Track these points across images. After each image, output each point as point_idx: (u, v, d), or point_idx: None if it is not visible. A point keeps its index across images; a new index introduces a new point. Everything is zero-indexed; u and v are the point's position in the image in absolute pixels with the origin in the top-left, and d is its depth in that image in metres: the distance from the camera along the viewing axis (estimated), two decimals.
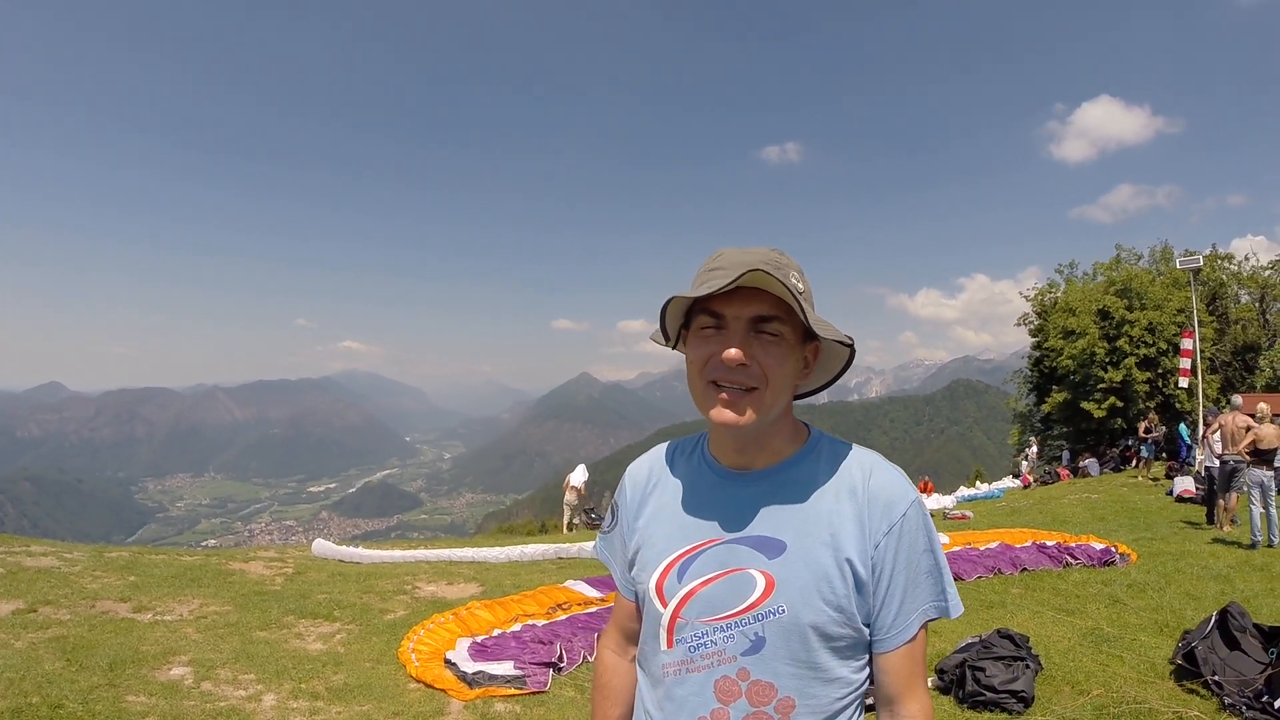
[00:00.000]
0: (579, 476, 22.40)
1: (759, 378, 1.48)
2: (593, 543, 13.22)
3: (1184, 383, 28.72)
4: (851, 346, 1.56)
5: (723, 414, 1.48)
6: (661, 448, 1.81)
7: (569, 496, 22.11)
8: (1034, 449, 37.03)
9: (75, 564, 9.21)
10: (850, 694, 1.53)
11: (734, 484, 1.60)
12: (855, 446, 1.62)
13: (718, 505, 1.59)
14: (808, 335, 1.55)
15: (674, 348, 1.66)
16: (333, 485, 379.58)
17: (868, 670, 1.58)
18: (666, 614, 1.57)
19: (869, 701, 1.64)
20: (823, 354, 1.62)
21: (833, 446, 1.62)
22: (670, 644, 1.57)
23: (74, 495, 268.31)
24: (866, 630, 1.53)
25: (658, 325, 1.64)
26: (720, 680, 1.50)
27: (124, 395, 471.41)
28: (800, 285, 1.50)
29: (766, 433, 1.57)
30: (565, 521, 22.21)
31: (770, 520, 1.53)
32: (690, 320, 1.57)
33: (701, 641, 1.52)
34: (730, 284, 1.39)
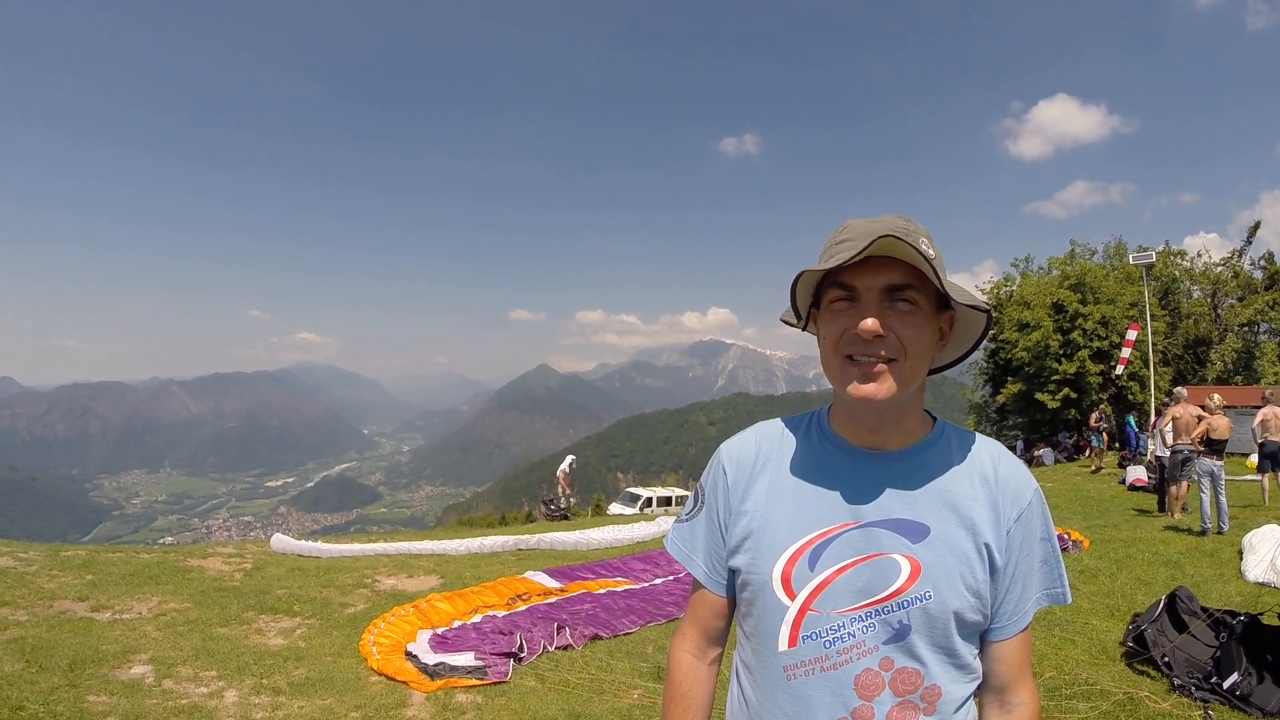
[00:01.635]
0: (566, 466, 22.60)
1: (897, 348, 1.41)
2: (551, 534, 13.16)
3: (1119, 370, 29.29)
4: (990, 312, 1.50)
5: (861, 388, 1.42)
6: (767, 424, 1.69)
7: (559, 487, 22.31)
8: None
9: (31, 564, 9.12)
10: (973, 681, 1.51)
11: (868, 464, 1.52)
12: (980, 435, 1.59)
13: (850, 486, 1.50)
14: (942, 304, 1.49)
15: (804, 328, 1.61)
16: (290, 479, 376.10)
17: (979, 657, 1.54)
18: (794, 607, 1.47)
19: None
20: (958, 323, 1.55)
21: (959, 433, 1.58)
22: (794, 642, 1.47)
23: (27, 494, 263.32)
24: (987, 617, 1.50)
25: (787, 304, 1.58)
26: (861, 675, 1.43)
27: (77, 390, 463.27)
28: (931, 252, 1.41)
29: (903, 411, 1.50)
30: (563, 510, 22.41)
31: (910, 503, 1.47)
32: (820, 297, 1.51)
33: (838, 634, 1.44)
34: (860, 253, 1.34)
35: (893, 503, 1.46)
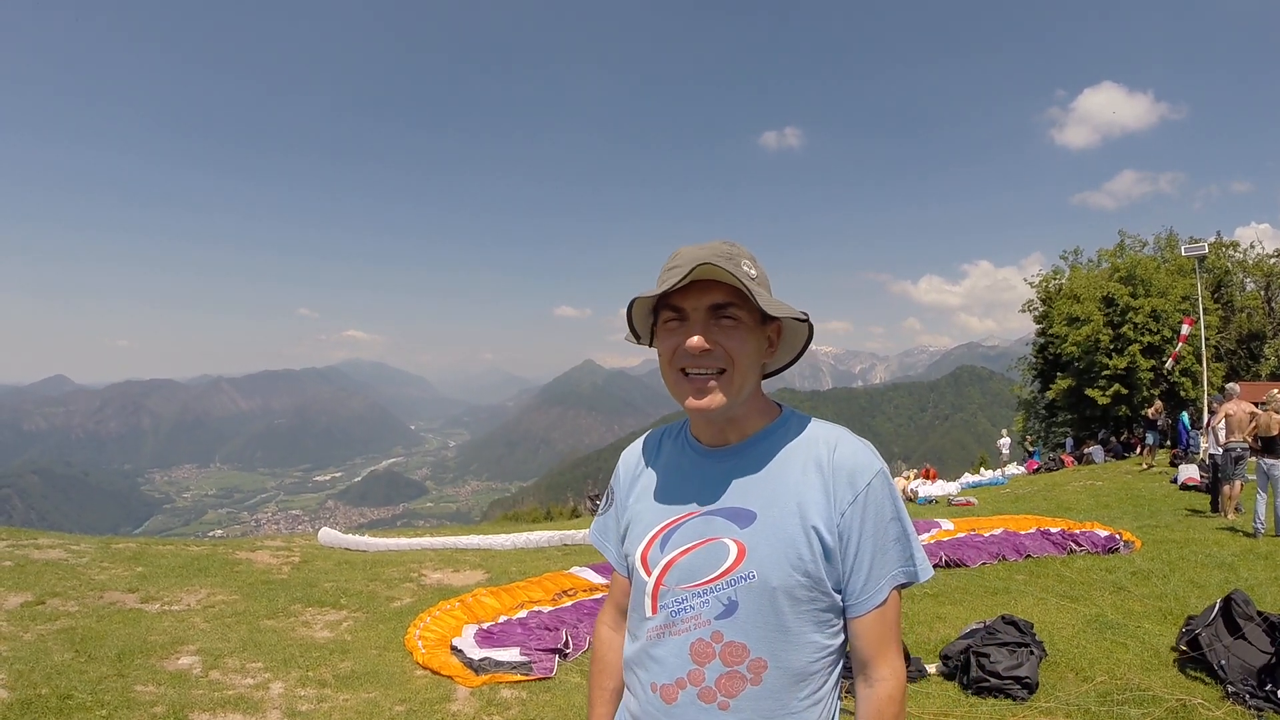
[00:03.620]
0: None
1: (725, 360, 1.60)
2: None
3: (1170, 364, 28.82)
4: (808, 321, 1.67)
5: (696, 402, 1.62)
6: (652, 433, 1.95)
7: None
8: (1005, 439, 36.98)
9: (83, 556, 9.25)
10: (821, 658, 1.62)
11: (710, 460, 1.72)
12: (822, 422, 1.74)
13: (696, 481, 1.72)
14: (765, 317, 1.66)
15: (649, 345, 1.77)
16: (338, 474, 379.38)
17: (843, 637, 1.67)
18: (650, 581, 1.68)
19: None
20: (786, 332, 1.75)
21: (801, 422, 1.74)
22: (654, 610, 1.67)
23: (80, 488, 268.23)
24: (839, 596, 1.63)
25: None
26: (696, 642, 1.61)
27: (129, 388, 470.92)
28: (753, 272, 1.62)
29: (739, 412, 1.68)
30: None
31: (742, 492, 1.65)
32: (656, 319, 1.69)
33: (681, 607, 1.63)
34: (683, 279, 1.53)
35: (727, 492, 1.66)
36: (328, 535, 12.59)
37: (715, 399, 1.61)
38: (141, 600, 7.71)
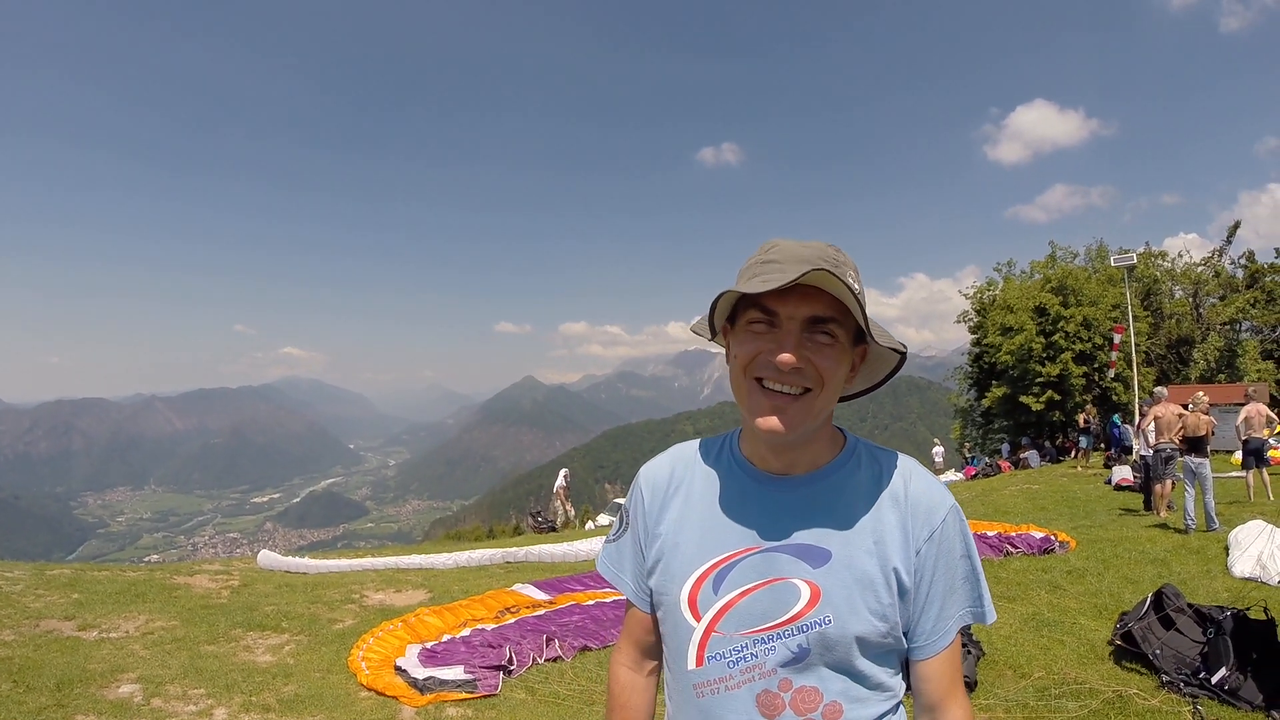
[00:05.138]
0: (561, 480, 22.79)
1: (814, 379, 1.42)
2: (539, 547, 13.13)
3: (1110, 374, 29.56)
4: (903, 354, 1.52)
5: (769, 421, 1.42)
6: (682, 447, 1.71)
7: (556, 501, 22.52)
8: (939, 448, 38.10)
9: (17, 583, 9.07)
10: (890, 699, 1.51)
11: (772, 489, 1.53)
12: (893, 452, 1.58)
13: (755, 511, 1.52)
14: (857, 337, 1.50)
15: (713, 339, 1.62)
16: (276, 495, 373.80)
17: (901, 676, 1.56)
18: (699, 629, 1.50)
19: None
20: (870, 357, 1.56)
21: (870, 452, 1.57)
22: (700, 662, 1.50)
23: (10, 512, 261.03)
24: (904, 639, 1.51)
25: (704, 317, 1.57)
26: (762, 694, 1.45)
27: (60, 407, 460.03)
28: (858, 286, 1.42)
29: (810, 438, 1.51)
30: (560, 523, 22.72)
31: (813, 528, 1.48)
32: (736, 314, 1.51)
33: (740, 655, 1.46)
34: (791, 282, 1.33)
35: (795, 527, 1.48)
36: (267, 558, 12.48)
37: (795, 420, 1.42)
38: (79, 628, 7.58)
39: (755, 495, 1.53)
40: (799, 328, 1.41)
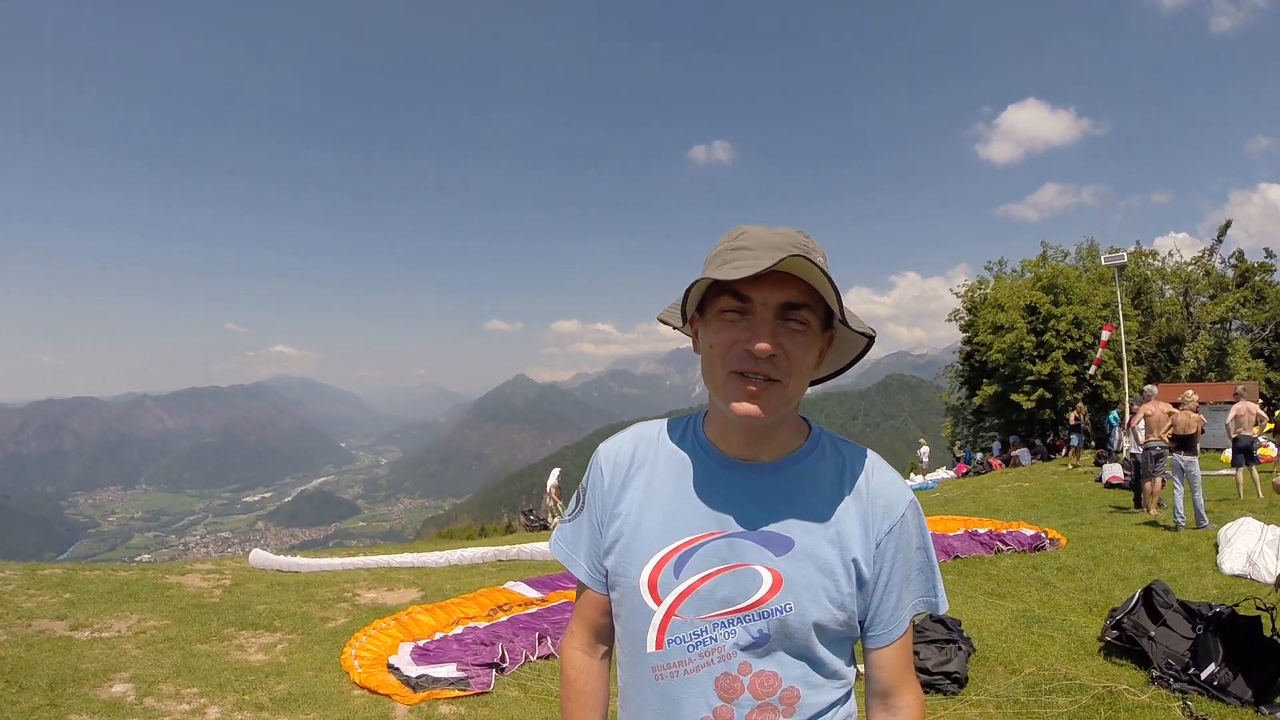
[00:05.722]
0: (554, 479, 22.71)
1: (785, 368, 1.42)
2: (531, 545, 13.09)
3: (1093, 370, 29.70)
4: (871, 338, 1.52)
5: (746, 406, 1.42)
6: (645, 426, 1.71)
7: (549, 501, 22.45)
8: (925, 448, 38.51)
9: (8, 583, 9.05)
10: (844, 686, 1.55)
11: (739, 475, 1.54)
12: (857, 445, 1.60)
13: (720, 496, 1.53)
14: (826, 324, 1.50)
15: (683, 327, 1.60)
16: (268, 494, 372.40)
17: (853, 663, 1.60)
18: (659, 612, 1.51)
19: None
20: (837, 342, 1.57)
21: (835, 444, 1.59)
22: (660, 645, 1.51)
23: (1, 512, 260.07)
24: (859, 627, 1.55)
25: (675, 305, 1.58)
26: (721, 677, 1.47)
27: (50, 406, 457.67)
28: (829, 271, 1.40)
29: (778, 425, 1.52)
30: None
31: (777, 516, 1.49)
32: (706, 301, 1.51)
33: (700, 639, 1.48)
34: (765, 268, 1.32)
35: (760, 514, 1.50)
36: (259, 557, 12.47)
37: (770, 405, 1.42)
38: (71, 628, 7.57)
39: (721, 480, 1.54)
40: (773, 314, 1.41)
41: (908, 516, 1.53)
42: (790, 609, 1.45)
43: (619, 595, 1.59)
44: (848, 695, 1.57)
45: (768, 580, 1.46)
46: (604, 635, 1.72)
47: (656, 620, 1.50)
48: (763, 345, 1.39)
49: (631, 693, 1.59)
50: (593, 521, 1.65)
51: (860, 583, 1.49)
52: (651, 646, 1.51)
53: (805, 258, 1.30)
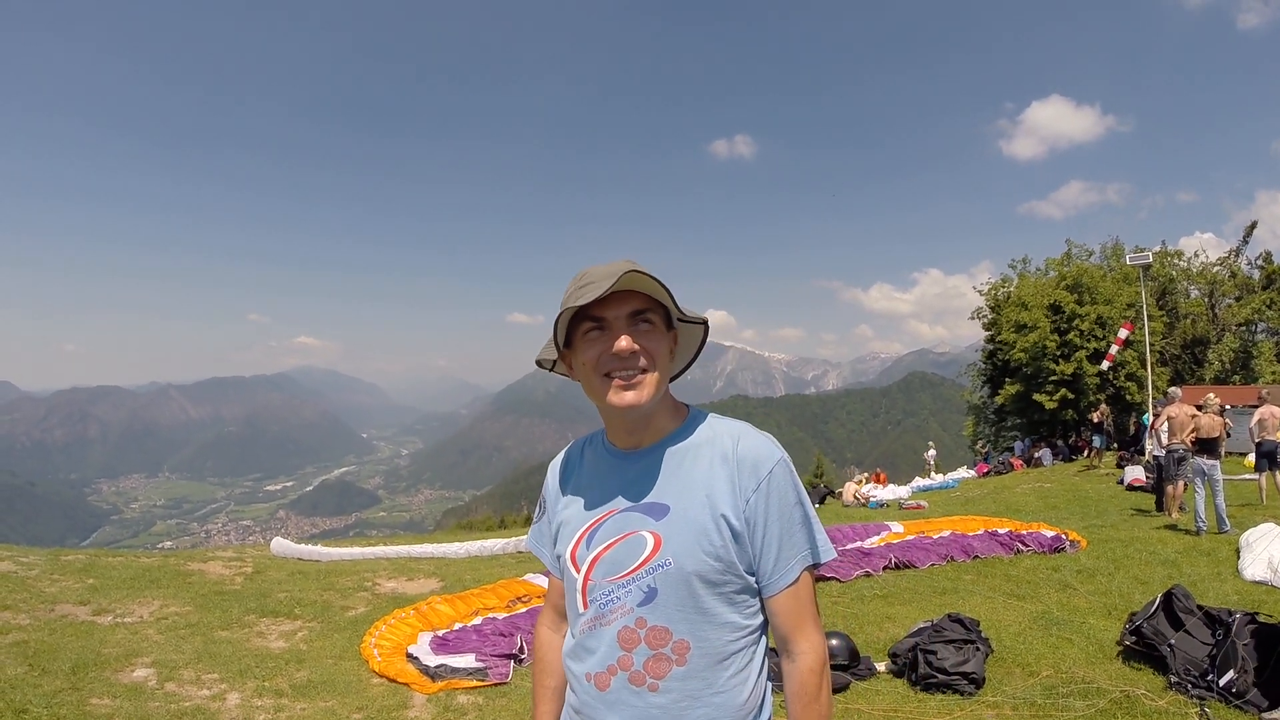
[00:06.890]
0: None
1: (647, 360, 1.72)
2: None
3: (1105, 365, 29.46)
4: (705, 322, 1.89)
5: (622, 396, 1.72)
6: (573, 444, 2.07)
7: None
8: (932, 452, 38.27)
9: (32, 568, 9.15)
10: (742, 637, 1.77)
11: (627, 462, 1.85)
12: (726, 419, 1.88)
13: (615, 482, 1.84)
14: (669, 325, 1.82)
15: (552, 369, 1.93)
16: (290, 483, 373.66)
17: (762, 617, 1.82)
18: (580, 578, 1.81)
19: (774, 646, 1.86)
20: (682, 339, 1.90)
21: (709, 422, 1.87)
22: (585, 605, 1.80)
23: (26, 498, 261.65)
24: (752, 578, 1.77)
25: (550, 343, 1.88)
26: (622, 630, 1.73)
27: (75, 395, 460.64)
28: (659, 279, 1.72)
29: (652, 414, 1.81)
30: None
31: (657, 489, 1.78)
32: (572, 335, 1.78)
33: (609, 598, 1.75)
34: (611, 288, 1.62)
35: (643, 490, 1.79)
36: (280, 545, 12.53)
37: (642, 393, 1.72)
38: (93, 613, 7.65)
39: (614, 469, 1.87)
40: (625, 323, 1.72)
41: (776, 474, 1.76)
42: (670, 563, 1.70)
43: (560, 570, 1.94)
44: (748, 649, 1.78)
45: (650, 542, 1.73)
46: (564, 614, 2.00)
47: (579, 585, 1.81)
48: (623, 342, 1.69)
49: (569, 645, 1.89)
50: (549, 520, 2.01)
51: (735, 536, 1.73)
52: (580, 607, 1.81)
53: (639, 272, 1.64)
